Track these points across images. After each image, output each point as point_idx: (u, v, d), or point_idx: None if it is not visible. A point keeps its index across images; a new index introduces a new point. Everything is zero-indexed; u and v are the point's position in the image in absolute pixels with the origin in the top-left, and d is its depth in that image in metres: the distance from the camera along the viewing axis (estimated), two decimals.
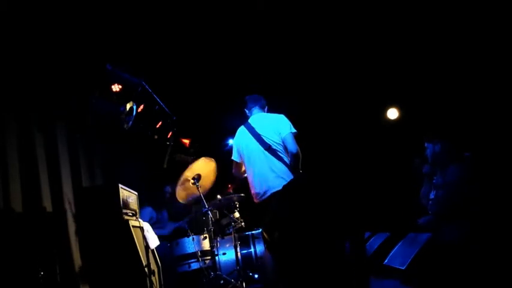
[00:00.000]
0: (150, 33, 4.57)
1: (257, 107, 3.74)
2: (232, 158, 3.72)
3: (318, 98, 6.75)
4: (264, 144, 3.43)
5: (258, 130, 3.52)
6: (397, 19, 4.90)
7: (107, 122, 4.27)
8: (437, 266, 3.51)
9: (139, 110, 4.24)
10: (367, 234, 4.76)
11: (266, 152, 3.41)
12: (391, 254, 4.24)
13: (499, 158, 3.90)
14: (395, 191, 5.54)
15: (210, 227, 4.64)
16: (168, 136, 4.87)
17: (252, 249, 5.02)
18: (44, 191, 3.39)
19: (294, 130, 3.49)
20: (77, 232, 3.64)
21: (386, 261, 4.19)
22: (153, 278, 3.58)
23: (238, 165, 3.69)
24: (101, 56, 4.04)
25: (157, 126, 4.71)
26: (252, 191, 3.50)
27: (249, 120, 3.67)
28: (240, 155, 3.64)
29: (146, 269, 3.47)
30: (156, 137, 4.80)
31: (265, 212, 3.40)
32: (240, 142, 3.63)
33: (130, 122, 4.09)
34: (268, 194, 3.33)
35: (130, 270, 3.40)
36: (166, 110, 4.73)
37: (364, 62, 5.79)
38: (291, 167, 3.38)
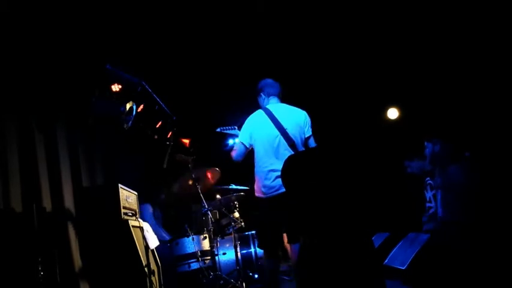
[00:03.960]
0: (150, 33, 4.57)
1: (276, 97, 3.57)
2: (241, 140, 3.47)
3: (318, 98, 6.75)
4: (289, 140, 3.33)
5: (283, 123, 3.38)
6: (397, 19, 4.90)
7: (106, 122, 4.27)
8: (437, 266, 3.51)
9: (139, 109, 4.23)
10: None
11: (290, 149, 3.32)
12: (391, 254, 4.24)
13: (500, 157, 3.90)
14: (395, 191, 5.54)
15: (210, 227, 4.64)
16: (168, 136, 4.87)
17: (252, 249, 5.01)
18: (43, 190, 3.38)
19: None
20: (77, 232, 3.63)
21: (386, 261, 4.19)
22: (153, 278, 3.58)
23: (245, 149, 3.46)
24: (101, 56, 4.04)
25: (157, 126, 4.71)
26: (261, 183, 3.34)
27: (268, 107, 3.49)
28: (252, 140, 3.42)
29: (146, 269, 3.47)
30: (156, 137, 4.80)
31: (273, 207, 3.27)
32: (258, 128, 3.42)
33: (130, 122, 4.08)
34: (283, 190, 3.17)
35: (130, 270, 3.40)
36: (166, 110, 4.73)
37: (364, 62, 5.79)
38: None
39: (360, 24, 5.02)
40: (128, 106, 4.01)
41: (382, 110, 6.53)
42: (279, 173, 3.18)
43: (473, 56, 4.84)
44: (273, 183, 3.28)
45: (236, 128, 3.67)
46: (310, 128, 3.51)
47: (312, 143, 3.47)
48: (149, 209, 5.29)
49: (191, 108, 5.82)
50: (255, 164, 3.44)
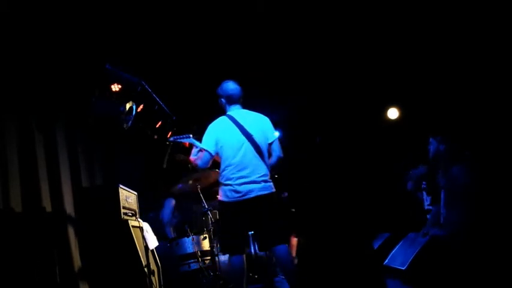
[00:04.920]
0: (150, 33, 4.57)
1: (238, 104, 3.54)
2: (206, 148, 3.39)
3: (318, 98, 6.75)
4: (256, 146, 3.35)
5: (248, 129, 3.38)
6: (397, 19, 4.89)
7: (106, 121, 4.27)
8: (437, 266, 3.51)
9: (139, 109, 4.23)
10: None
11: (257, 155, 3.35)
12: (391, 254, 4.25)
13: (501, 157, 3.90)
14: (396, 192, 5.54)
15: (210, 227, 4.64)
16: (168, 136, 4.87)
17: (252, 249, 5.01)
18: (43, 191, 3.38)
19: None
20: (77, 232, 3.64)
21: (386, 261, 4.19)
22: (152, 278, 3.58)
23: (210, 157, 3.40)
24: (101, 55, 4.04)
25: (157, 126, 4.71)
26: (227, 188, 3.33)
27: (231, 114, 3.49)
28: (217, 147, 3.39)
29: (146, 269, 3.47)
30: (155, 136, 4.80)
31: (237, 212, 3.30)
32: (224, 134, 3.40)
33: (130, 122, 4.09)
34: (252, 195, 3.25)
35: (130, 270, 3.40)
36: (166, 110, 4.73)
37: (364, 62, 5.79)
38: (272, 169, 3.41)
39: (360, 24, 5.01)
40: (128, 106, 4.02)
41: (382, 110, 6.53)
42: (246, 179, 3.27)
43: (473, 55, 4.84)
44: (240, 188, 3.29)
45: (190, 136, 3.61)
46: (274, 132, 3.51)
47: (277, 147, 3.45)
48: (171, 204, 5.34)
49: (191, 108, 5.81)
50: (221, 169, 3.41)
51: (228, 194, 3.34)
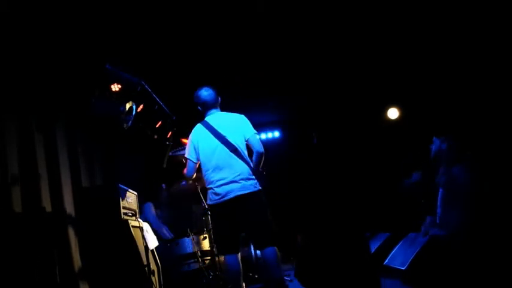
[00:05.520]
0: (150, 33, 4.57)
1: (214, 108, 3.67)
2: (188, 156, 3.61)
3: (319, 98, 6.75)
4: (230, 146, 3.42)
5: (221, 131, 3.48)
6: (397, 19, 4.90)
7: (106, 121, 4.27)
8: (437, 266, 3.51)
9: (138, 109, 4.22)
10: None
11: (232, 154, 3.41)
12: (391, 254, 4.24)
13: (502, 158, 3.90)
14: (396, 191, 5.55)
15: (210, 227, 4.65)
16: (168, 136, 4.86)
17: (252, 249, 5.02)
18: (43, 191, 3.37)
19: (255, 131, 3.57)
20: (77, 232, 3.63)
21: (386, 261, 4.19)
22: (153, 278, 3.58)
23: (194, 165, 3.59)
24: (101, 55, 4.03)
25: (157, 126, 4.70)
26: (210, 191, 3.46)
27: (207, 119, 3.61)
28: (197, 154, 3.56)
29: (146, 269, 3.47)
30: (155, 136, 4.79)
31: (221, 213, 3.39)
32: (200, 141, 3.54)
33: (130, 122, 4.08)
34: (231, 196, 3.32)
35: (130, 270, 3.40)
36: (166, 109, 4.72)
37: (364, 62, 5.79)
38: (254, 166, 3.43)
39: (360, 24, 5.01)
40: (128, 106, 4.01)
41: (382, 110, 6.54)
42: (224, 180, 3.37)
43: (473, 55, 4.84)
44: (219, 190, 3.38)
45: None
46: (251, 128, 3.56)
47: (255, 142, 3.50)
48: (151, 207, 5.31)
49: (191, 108, 5.81)
50: (202, 175, 3.55)
51: (211, 196, 3.46)
